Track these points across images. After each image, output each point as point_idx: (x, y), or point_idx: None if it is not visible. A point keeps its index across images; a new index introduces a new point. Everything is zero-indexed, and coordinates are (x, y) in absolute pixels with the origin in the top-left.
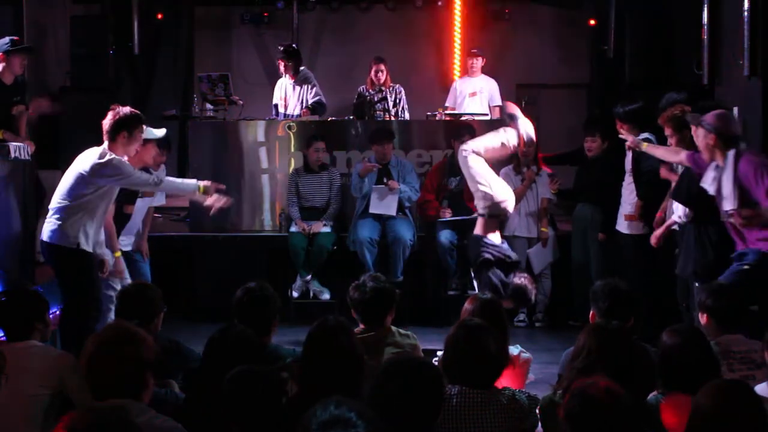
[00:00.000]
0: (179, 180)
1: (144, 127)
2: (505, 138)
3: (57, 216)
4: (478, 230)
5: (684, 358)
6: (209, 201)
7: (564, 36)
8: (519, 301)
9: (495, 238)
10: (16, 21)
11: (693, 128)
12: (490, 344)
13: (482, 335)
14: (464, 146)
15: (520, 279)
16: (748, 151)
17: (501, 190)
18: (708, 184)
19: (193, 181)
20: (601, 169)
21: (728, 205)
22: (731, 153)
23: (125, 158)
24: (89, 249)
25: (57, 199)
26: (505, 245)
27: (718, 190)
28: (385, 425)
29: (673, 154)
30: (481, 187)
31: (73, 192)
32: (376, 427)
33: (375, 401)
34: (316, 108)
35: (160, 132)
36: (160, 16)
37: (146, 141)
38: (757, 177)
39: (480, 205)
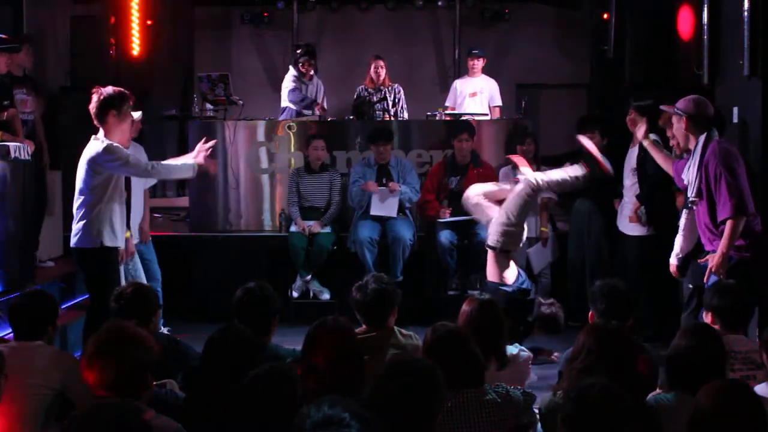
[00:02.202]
0: (173, 162)
1: (132, 102)
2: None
3: (79, 216)
4: (491, 275)
5: (693, 358)
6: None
7: (564, 36)
8: (550, 330)
9: (510, 274)
10: (16, 21)
11: (674, 119)
12: (462, 348)
13: (453, 341)
14: (466, 193)
15: (549, 308)
16: (720, 140)
17: (523, 232)
18: (684, 174)
19: (189, 160)
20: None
21: (690, 192)
22: (701, 138)
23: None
24: (116, 244)
25: (76, 205)
26: (522, 277)
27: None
28: (385, 426)
29: (667, 163)
30: (516, 228)
31: (86, 187)
32: (370, 428)
33: (375, 402)
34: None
35: (136, 114)
36: (150, 23)
37: None
38: (716, 173)
39: (493, 238)
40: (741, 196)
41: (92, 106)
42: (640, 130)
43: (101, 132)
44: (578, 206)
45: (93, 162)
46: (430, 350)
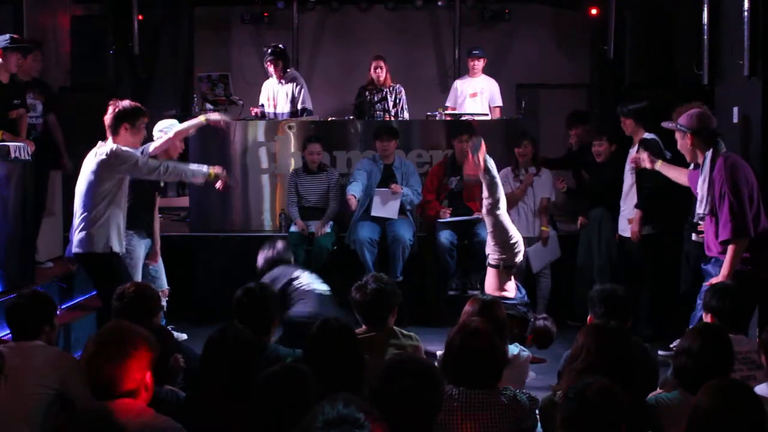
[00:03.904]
0: (188, 165)
1: (146, 119)
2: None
3: (86, 222)
4: (491, 288)
5: (701, 358)
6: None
7: (564, 36)
8: (541, 343)
9: (510, 287)
10: (16, 21)
11: (678, 136)
12: (490, 346)
13: (482, 337)
14: (497, 208)
15: (542, 321)
16: (726, 154)
17: (520, 240)
18: (698, 187)
19: (203, 166)
20: (611, 172)
21: (700, 208)
22: (708, 153)
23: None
24: (123, 249)
25: (79, 210)
26: (522, 293)
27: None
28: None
29: (683, 176)
30: (512, 241)
31: (90, 195)
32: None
33: (375, 401)
34: (302, 114)
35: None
36: (140, 17)
37: None
38: (721, 192)
39: (494, 256)
40: (743, 218)
41: (107, 117)
42: (646, 162)
43: (110, 140)
44: (588, 213)
45: (103, 165)
46: (456, 346)
